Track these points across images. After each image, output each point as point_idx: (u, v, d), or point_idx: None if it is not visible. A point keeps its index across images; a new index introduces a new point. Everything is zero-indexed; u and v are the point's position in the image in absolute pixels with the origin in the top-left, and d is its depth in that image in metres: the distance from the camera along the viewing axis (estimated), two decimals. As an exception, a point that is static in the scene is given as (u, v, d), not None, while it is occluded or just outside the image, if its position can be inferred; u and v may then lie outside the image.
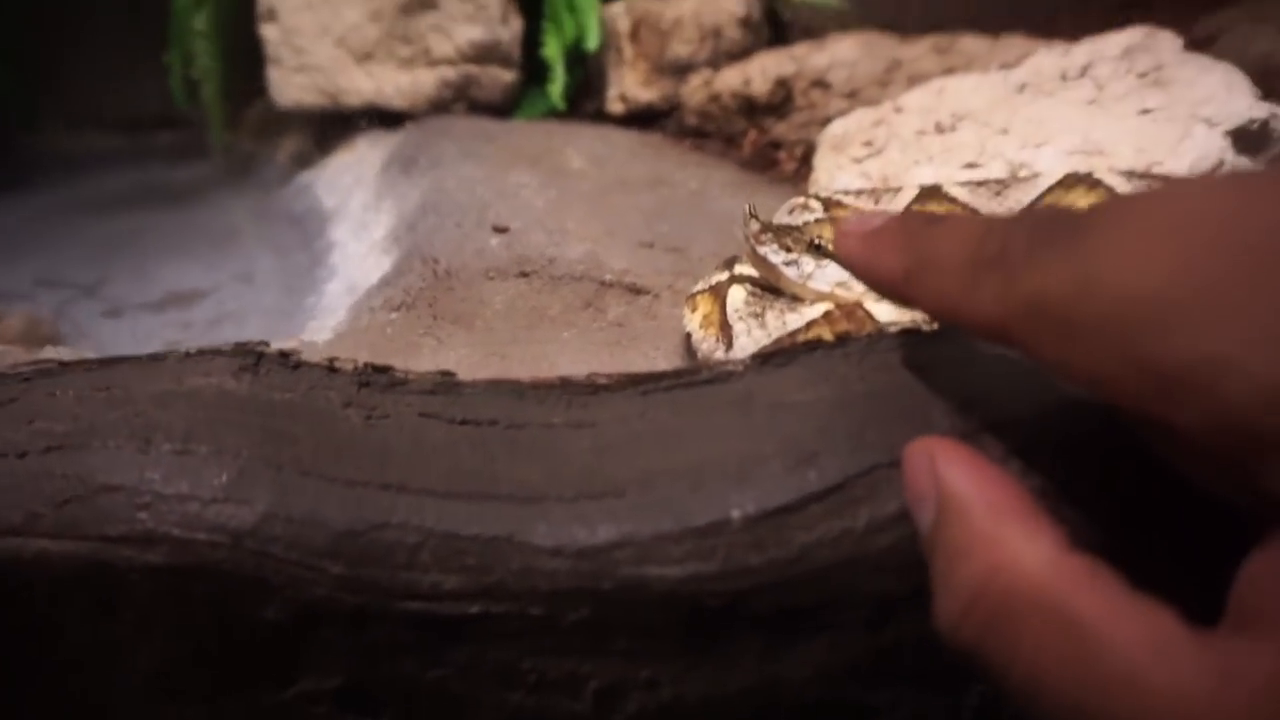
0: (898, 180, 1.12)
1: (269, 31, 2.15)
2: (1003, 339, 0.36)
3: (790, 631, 0.53)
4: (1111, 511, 0.48)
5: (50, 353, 1.17)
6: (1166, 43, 1.26)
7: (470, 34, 2.04)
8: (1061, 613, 0.30)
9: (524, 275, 1.08)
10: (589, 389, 0.64)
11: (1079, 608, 0.30)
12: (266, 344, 0.65)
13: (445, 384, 0.63)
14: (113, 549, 0.53)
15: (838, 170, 1.24)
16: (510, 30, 2.05)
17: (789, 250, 0.76)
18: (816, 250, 0.76)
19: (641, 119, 2.02)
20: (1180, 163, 0.96)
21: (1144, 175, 0.91)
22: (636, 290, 1.06)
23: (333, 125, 2.29)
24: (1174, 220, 0.28)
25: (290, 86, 2.17)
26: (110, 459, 0.55)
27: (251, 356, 0.62)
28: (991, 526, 0.34)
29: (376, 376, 0.63)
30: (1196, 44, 2.21)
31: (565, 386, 0.64)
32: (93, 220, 2.31)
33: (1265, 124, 1.00)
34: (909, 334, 0.60)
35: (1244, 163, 1.00)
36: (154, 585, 0.52)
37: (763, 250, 0.77)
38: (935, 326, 0.61)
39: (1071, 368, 0.31)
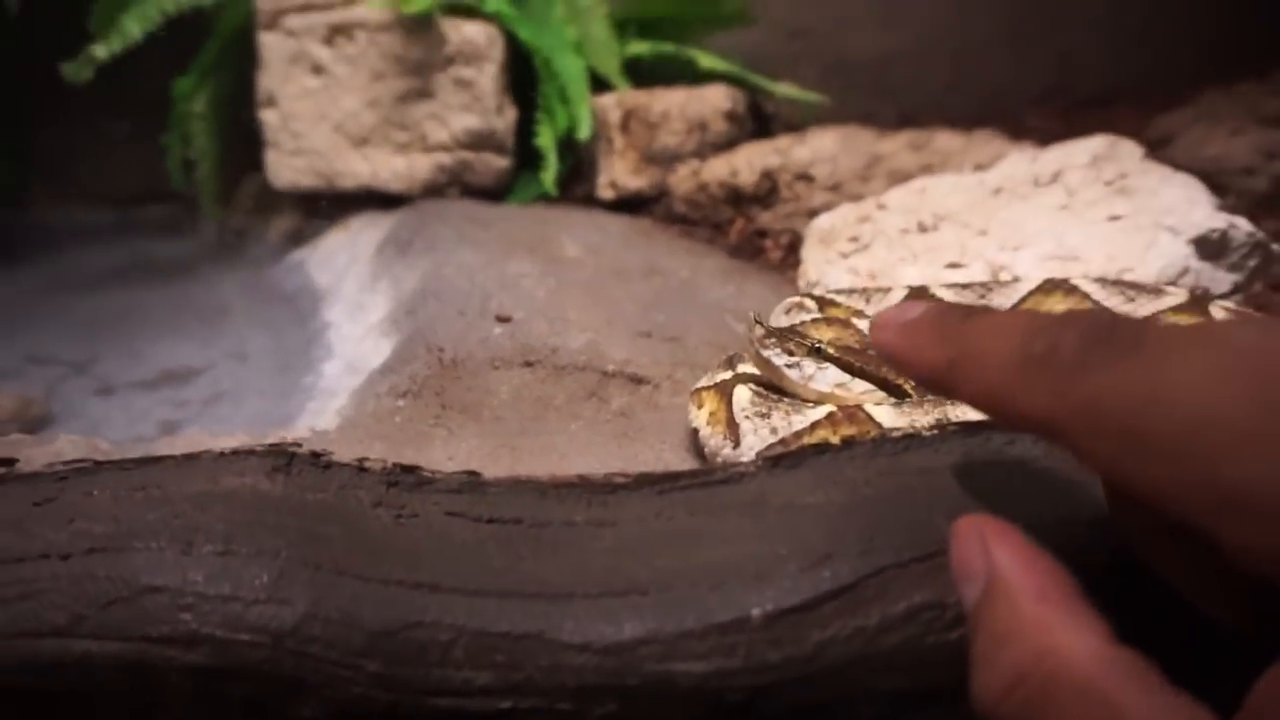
0: (885, 277, 1.18)
1: (268, 116, 2.22)
2: (1051, 436, 0.37)
3: (806, 729, 0.56)
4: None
5: (51, 438, 1.18)
6: (1128, 151, 1.35)
7: (466, 122, 2.11)
8: (1107, 704, 0.31)
9: (528, 365, 1.12)
10: (608, 488, 0.67)
11: (1125, 701, 0.31)
12: (299, 445, 0.68)
13: (470, 483, 0.66)
14: (156, 649, 0.54)
15: (826, 265, 1.30)
16: (505, 120, 2.13)
17: (791, 354, 0.81)
18: (817, 354, 0.81)
19: (630, 205, 2.10)
20: (1148, 270, 1.03)
21: (1116, 282, 0.97)
22: (638, 380, 1.09)
23: (326, 205, 2.34)
24: (1246, 352, 0.30)
25: (287, 169, 2.22)
26: (153, 560, 0.57)
27: (284, 457, 0.65)
28: (1040, 612, 0.35)
29: (404, 476, 0.66)
30: (1153, 145, 2.34)
31: (585, 486, 0.67)
32: (82, 296, 2.33)
33: (1224, 233, 1.08)
34: (910, 439, 0.64)
35: (1207, 269, 1.07)
36: (193, 686, 0.54)
37: (767, 353, 0.81)
38: (933, 431, 0.65)
39: (1128, 474, 0.32)
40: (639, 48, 2.30)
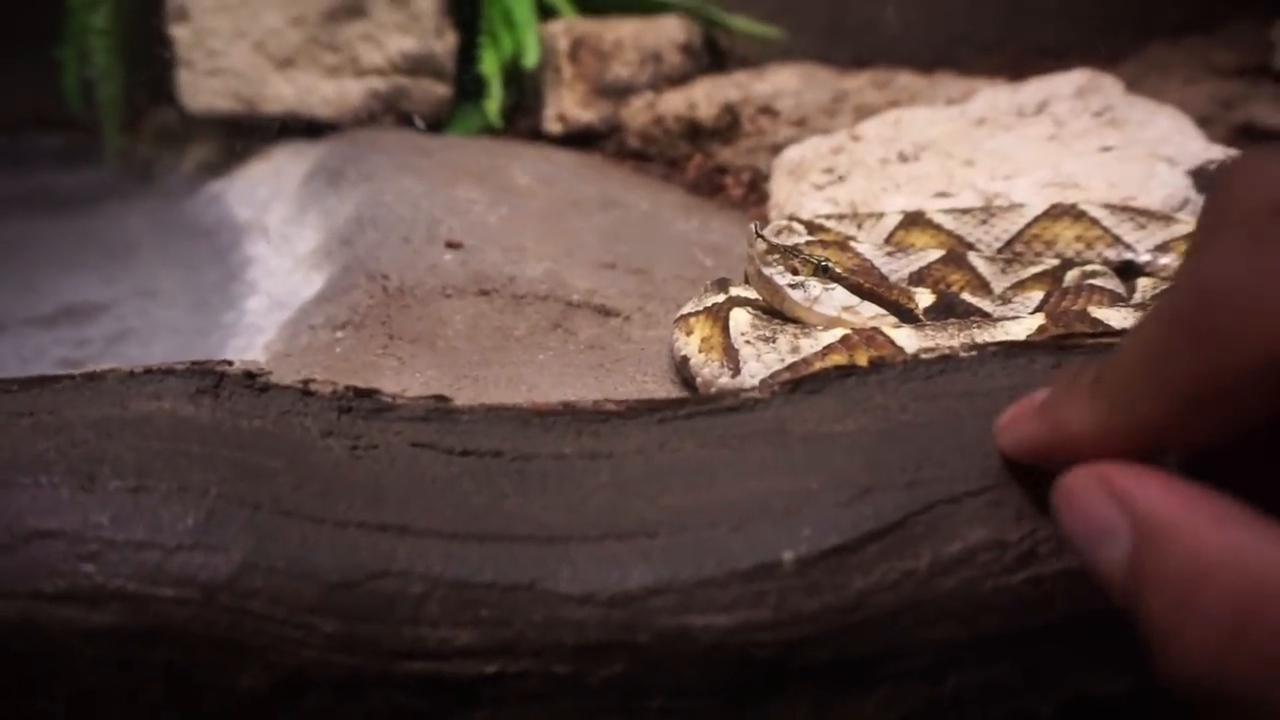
0: (867, 207, 1.11)
1: (179, 32, 2.02)
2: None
3: (843, 686, 0.48)
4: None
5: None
6: (1110, 84, 1.30)
7: (402, 44, 1.95)
8: None
9: (484, 294, 1.01)
10: (599, 416, 0.57)
11: None
12: (229, 362, 0.56)
13: (439, 410, 0.56)
14: (49, 609, 0.44)
15: (801, 197, 1.22)
16: (444, 43, 1.98)
17: (795, 273, 0.72)
18: (824, 273, 0.73)
19: (579, 139, 1.98)
20: (1151, 198, 0.97)
21: (1125, 209, 0.92)
22: (606, 312, 1.00)
23: (245, 133, 2.16)
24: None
25: (202, 91, 2.03)
26: (43, 499, 0.46)
27: (211, 377, 0.54)
28: (1233, 537, 0.29)
29: (359, 401, 0.56)
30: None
31: (572, 413, 0.58)
32: (-32, 227, 2.11)
33: (1222, 165, 1.03)
34: (946, 360, 0.57)
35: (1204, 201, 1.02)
36: (99, 652, 0.43)
37: (769, 271, 0.73)
38: (971, 353, 0.58)
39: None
40: (589, -28, 2.17)
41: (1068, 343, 0.57)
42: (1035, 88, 1.31)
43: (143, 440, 0.49)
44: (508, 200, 1.35)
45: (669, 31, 2.04)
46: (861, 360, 0.67)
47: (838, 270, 0.72)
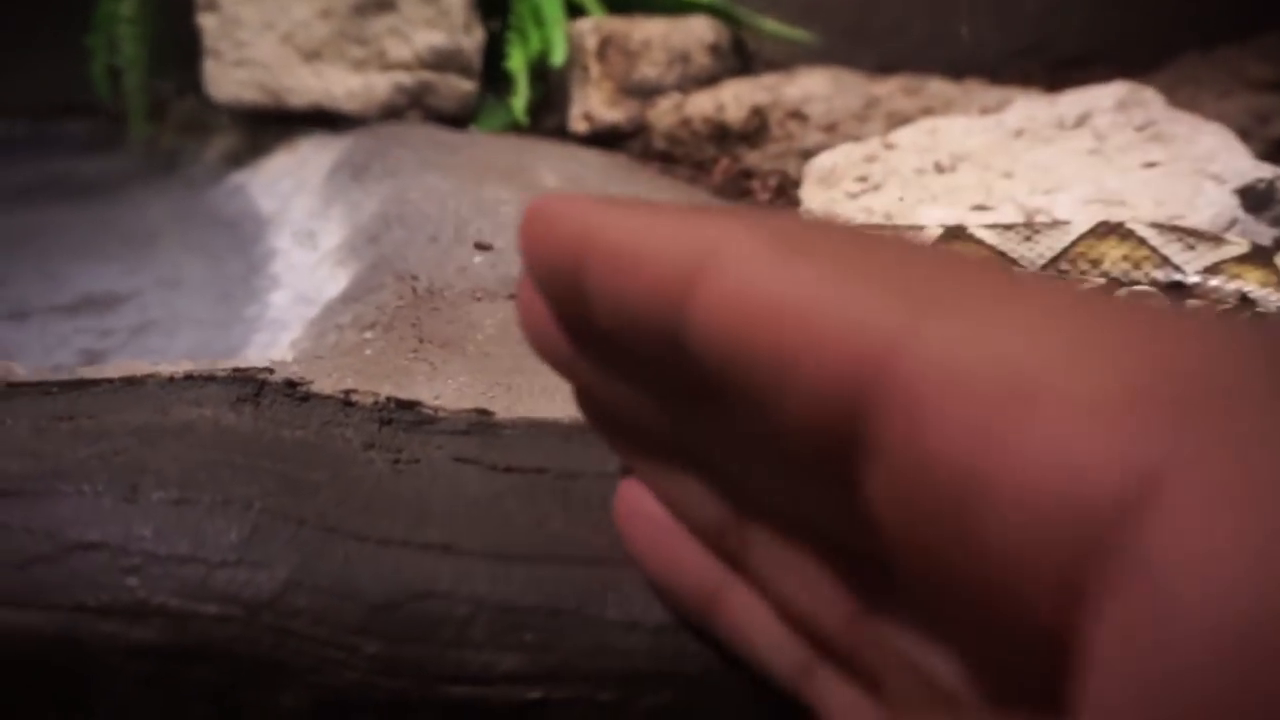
0: (903, 217, 1.09)
1: (207, 21, 2.01)
2: None
3: None
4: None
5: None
6: (1151, 97, 1.28)
7: (430, 39, 1.94)
8: None
9: (514, 298, 1.00)
10: (643, 434, 0.57)
11: None
12: (270, 370, 0.55)
13: (481, 424, 0.55)
14: (90, 623, 0.43)
15: (833, 204, 1.20)
16: (473, 39, 1.97)
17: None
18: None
19: (605, 139, 1.96)
20: (1199, 218, 0.95)
21: (1173, 228, 0.90)
22: (637, 319, 0.99)
23: (269, 125, 2.16)
24: None
25: (228, 81, 2.03)
26: (86, 508, 0.45)
27: (252, 385, 0.53)
28: None
29: (400, 413, 0.55)
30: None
31: (615, 431, 0.57)
32: (-8, 212, 2.11)
33: (1271, 184, 1.01)
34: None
35: (1250, 221, 1.00)
36: (140, 670, 0.42)
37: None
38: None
39: None
40: (618, -29, 2.16)
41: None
42: (1074, 99, 1.29)
43: (185, 449, 0.48)
44: (536, 201, 1.33)
45: (697, 32, 2.03)
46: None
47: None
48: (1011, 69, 2.93)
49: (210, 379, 0.53)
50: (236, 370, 0.53)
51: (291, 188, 1.95)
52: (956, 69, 2.76)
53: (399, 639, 0.44)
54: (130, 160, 2.45)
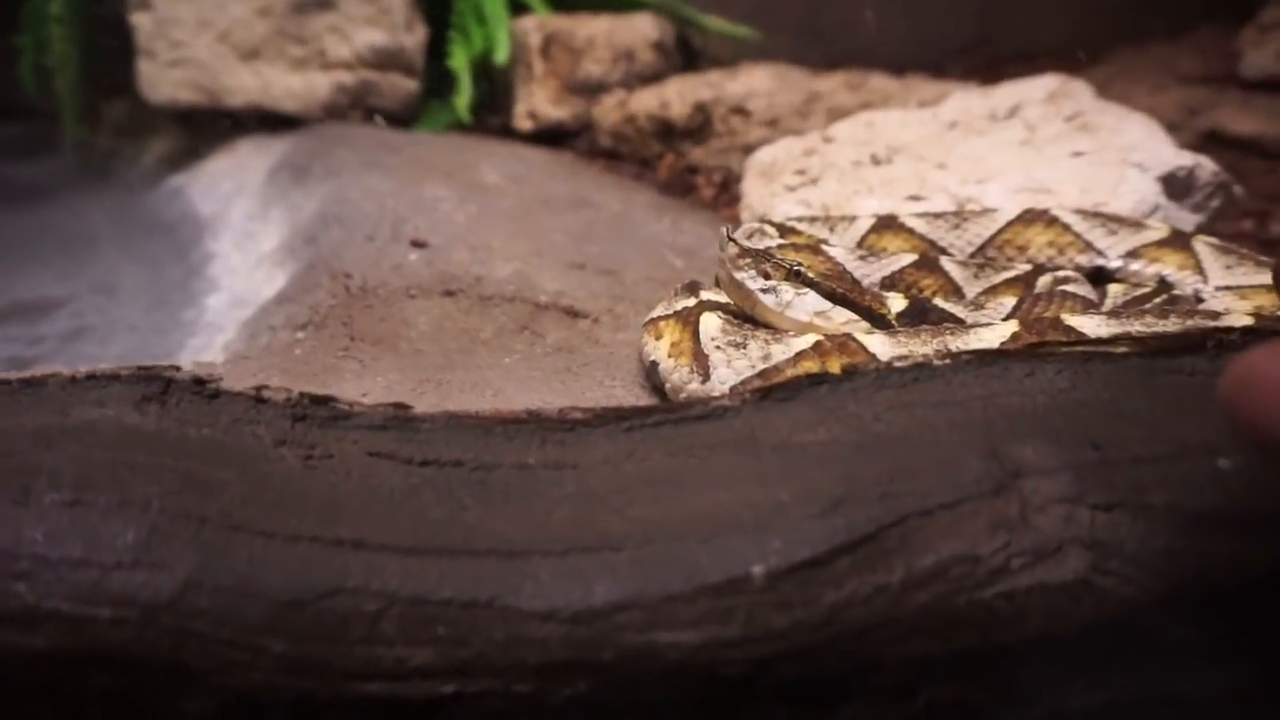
0: (839, 210, 1.10)
1: (141, 20, 1.96)
2: None
3: (814, 704, 0.47)
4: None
5: None
6: (1081, 89, 1.31)
7: (371, 38, 1.92)
8: None
9: (449, 294, 0.99)
10: (565, 425, 0.56)
11: None
12: (177, 367, 0.54)
13: (398, 418, 0.54)
14: (-23, 630, 0.41)
15: (772, 198, 1.21)
16: (414, 38, 1.94)
17: (768, 277, 0.71)
18: (796, 277, 0.71)
19: (550, 137, 1.95)
20: (1122, 204, 0.98)
21: (1096, 214, 0.92)
22: (574, 313, 0.98)
23: (208, 125, 2.11)
24: None
25: (164, 82, 1.98)
26: (-26, 511, 0.43)
27: (158, 383, 0.52)
28: None
29: (315, 409, 0.54)
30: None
31: (536, 422, 0.56)
32: (-82, 218, 2.04)
33: (1191, 171, 1.04)
34: (920, 369, 0.56)
35: (1172, 208, 1.02)
36: (33, 678, 0.41)
37: (740, 275, 0.72)
38: (944, 361, 0.57)
39: None
40: (561, -31, 2.15)
41: (1042, 351, 0.57)
42: (1007, 92, 1.31)
43: (84, 450, 0.46)
44: (476, 199, 1.32)
45: (642, 29, 2.03)
46: (834, 367, 0.66)
47: (810, 275, 0.71)
48: (955, 65, 2.98)
49: (114, 378, 0.52)
50: (142, 369, 0.52)
51: (231, 190, 1.91)
52: (903, 64, 2.80)
53: (306, 637, 0.43)
54: (65, 163, 2.38)
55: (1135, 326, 0.66)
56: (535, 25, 1.98)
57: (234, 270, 1.54)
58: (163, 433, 0.48)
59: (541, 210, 1.34)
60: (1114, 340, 0.55)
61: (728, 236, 0.72)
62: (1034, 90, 1.27)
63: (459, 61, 1.91)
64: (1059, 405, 0.51)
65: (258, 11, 1.94)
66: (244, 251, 1.59)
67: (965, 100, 1.33)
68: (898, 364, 0.56)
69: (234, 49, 1.96)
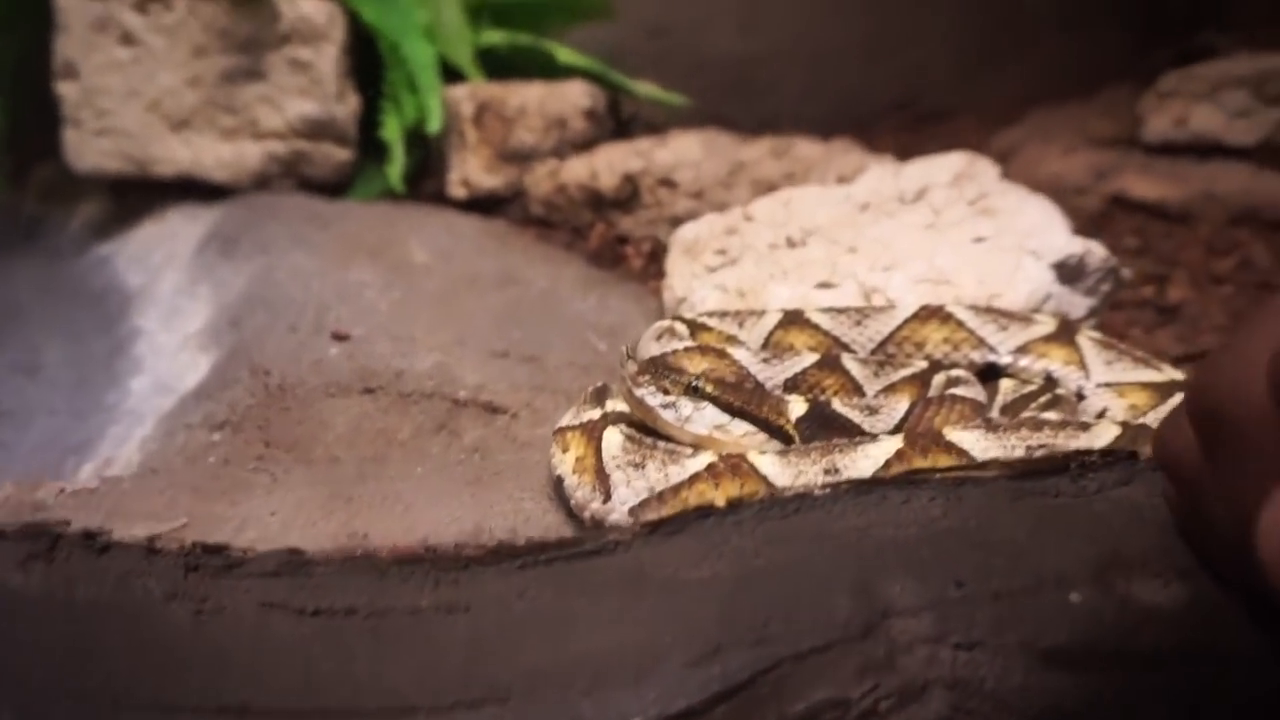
0: (755, 295, 1.14)
1: (66, 90, 1.95)
2: None
3: None
4: None
5: None
6: (985, 169, 1.37)
7: (302, 108, 1.93)
8: None
9: (369, 392, 1.00)
10: (459, 564, 0.57)
11: None
12: (66, 524, 0.54)
13: (291, 564, 0.55)
14: None
15: (694, 279, 1.24)
16: (346, 107, 1.96)
17: (667, 392, 0.74)
18: (694, 393, 0.74)
19: (484, 205, 1.97)
20: (1017, 295, 1.03)
21: (989, 310, 0.96)
22: (493, 409, 1.00)
23: (138, 192, 2.09)
24: None
25: (90, 151, 1.96)
26: None
27: (45, 539, 0.52)
28: None
29: (207, 558, 0.54)
30: (991, 160, 2.44)
31: (432, 560, 0.57)
32: None
33: (1081, 258, 1.09)
34: (801, 499, 0.59)
35: (1065, 293, 1.08)
36: None
37: (640, 392, 0.74)
38: (825, 490, 0.60)
39: None
40: (494, 37, 2.18)
41: (918, 477, 0.60)
42: (916, 171, 1.36)
43: (-38, 622, 0.46)
44: (401, 282, 1.33)
45: (573, 97, 2.07)
46: (727, 490, 0.69)
47: (708, 389, 0.74)
48: (881, 122, 3.08)
49: (0, 535, 0.52)
50: (29, 525, 0.52)
51: (160, 261, 1.89)
52: (829, 123, 2.88)
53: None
54: (-10, 229, 2.34)
55: (1010, 441, 0.69)
56: (468, 94, 2.01)
57: (159, 350, 1.52)
58: (47, 596, 0.48)
59: (467, 291, 1.35)
60: (985, 465, 0.58)
61: (627, 355, 0.74)
62: (941, 172, 1.33)
63: (391, 132, 1.93)
64: (929, 536, 0.54)
65: (188, 81, 1.94)
66: (170, 330, 1.57)
67: (878, 180, 1.38)
68: (781, 496, 0.59)
69: (164, 118, 1.96)
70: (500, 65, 2.17)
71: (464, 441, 0.92)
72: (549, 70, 2.15)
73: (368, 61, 2.00)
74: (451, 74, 2.07)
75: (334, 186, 1.98)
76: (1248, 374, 0.42)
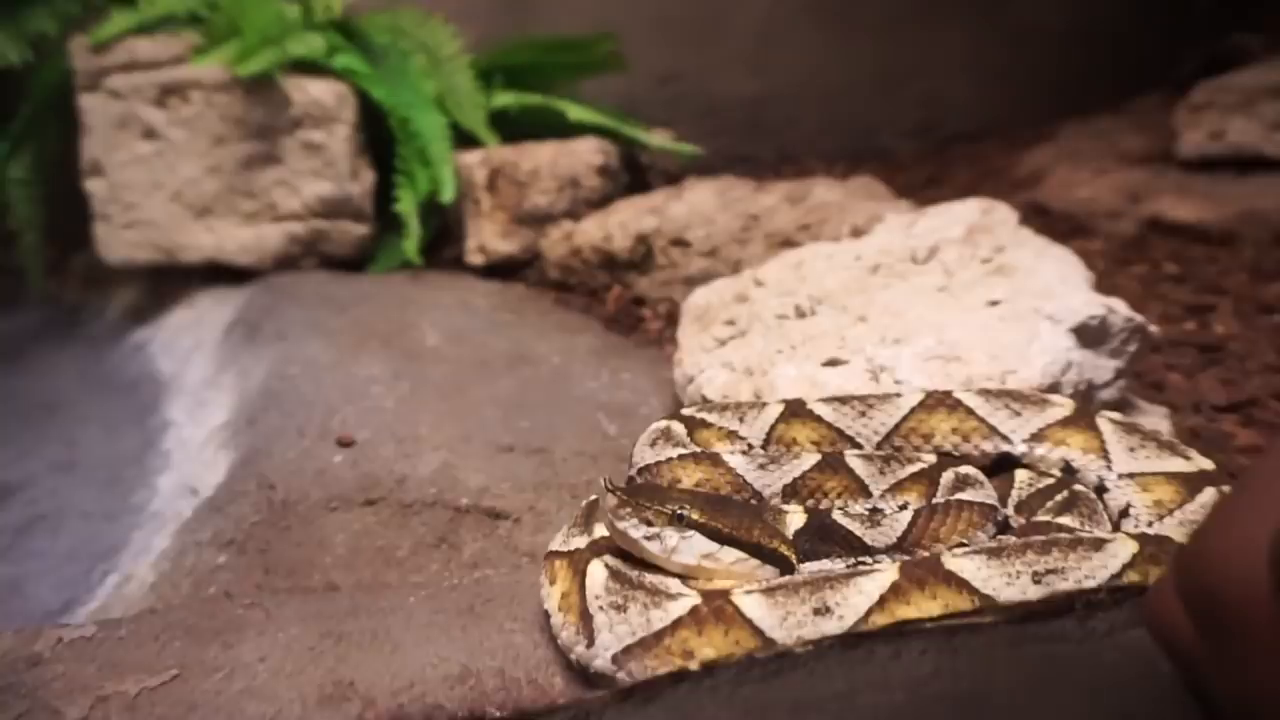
0: (761, 374, 1.10)
1: (95, 186, 2.01)
2: None
3: None
4: None
5: None
6: (1002, 218, 1.32)
7: (318, 189, 1.96)
8: None
9: (370, 504, 0.99)
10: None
11: None
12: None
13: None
14: None
15: (703, 354, 1.22)
16: (361, 185, 1.98)
17: (650, 524, 0.71)
18: (679, 521, 0.71)
19: (502, 270, 1.98)
20: (1032, 369, 0.98)
21: (1000, 394, 0.92)
22: (495, 515, 0.98)
23: (169, 278, 2.14)
24: None
25: (119, 243, 2.02)
26: None
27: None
28: None
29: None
30: (1023, 183, 2.36)
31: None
32: None
33: (1103, 320, 1.04)
34: (781, 659, 0.56)
35: (1089, 358, 1.02)
36: None
37: (623, 525, 0.71)
38: (807, 648, 0.57)
39: None
40: (505, 99, 2.19)
41: (908, 628, 0.56)
42: (927, 225, 1.32)
43: None
44: (411, 370, 1.33)
45: (585, 154, 2.06)
46: (711, 636, 0.65)
47: (694, 517, 0.71)
48: (904, 148, 3.02)
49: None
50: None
51: (189, 346, 1.93)
52: (850, 154, 2.84)
53: None
54: (32, 318, 2.42)
55: (1015, 567, 0.65)
56: (480, 160, 2.02)
57: (186, 444, 1.55)
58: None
59: (477, 377, 1.35)
60: (982, 611, 0.54)
61: (607, 488, 0.72)
62: (953, 225, 1.28)
63: (405, 206, 1.94)
64: (917, 702, 0.50)
65: (207, 170, 1.98)
66: (196, 422, 1.59)
67: (889, 234, 1.34)
68: (767, 646, 0.55)
69: (187, 207, 2.00)
70: (513, 125, 2.17)
71: (463, 556, 0.91)
72: (561, 127, 2.15)
73: (381, 136, 2.03)
74: (465, 138, 2.09)
75: (355, 261, 2.01)
76: (1244, 555, 0.38)
